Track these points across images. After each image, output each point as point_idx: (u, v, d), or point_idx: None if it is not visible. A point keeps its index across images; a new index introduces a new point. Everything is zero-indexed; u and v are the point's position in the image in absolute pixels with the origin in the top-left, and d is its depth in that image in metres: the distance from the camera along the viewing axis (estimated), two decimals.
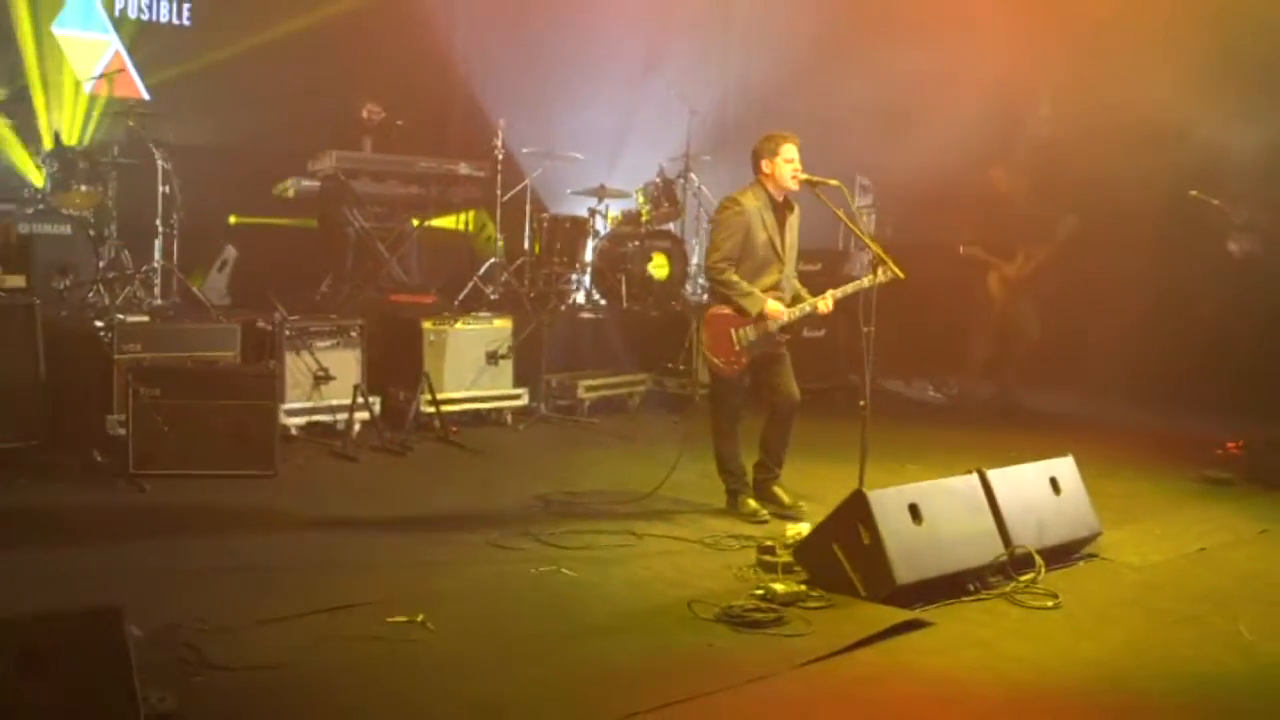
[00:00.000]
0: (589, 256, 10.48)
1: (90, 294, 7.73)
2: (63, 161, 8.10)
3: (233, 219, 10.57)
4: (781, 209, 6.43)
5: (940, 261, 10.60)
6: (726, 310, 6.40)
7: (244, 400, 6.88)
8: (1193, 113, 9.33)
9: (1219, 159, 9.39)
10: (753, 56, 11.38)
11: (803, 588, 5.14)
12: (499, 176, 9.70)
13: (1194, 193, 8.57)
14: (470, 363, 8.63)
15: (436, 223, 11.36)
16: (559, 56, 10.76)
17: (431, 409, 8.17)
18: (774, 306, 6.31)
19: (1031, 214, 10.21)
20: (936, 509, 5.32)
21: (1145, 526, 6.63)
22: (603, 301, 10.44)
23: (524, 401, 8.87)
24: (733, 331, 6.38)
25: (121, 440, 6.76)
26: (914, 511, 5.23)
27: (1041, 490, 5.87)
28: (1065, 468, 6.09)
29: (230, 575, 5.22)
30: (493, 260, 9.81)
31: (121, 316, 7.35)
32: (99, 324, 7.20)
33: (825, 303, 6.39)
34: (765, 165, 6.35)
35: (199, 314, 8.10)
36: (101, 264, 7.88)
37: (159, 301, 8.25)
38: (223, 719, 3.80)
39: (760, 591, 5.08)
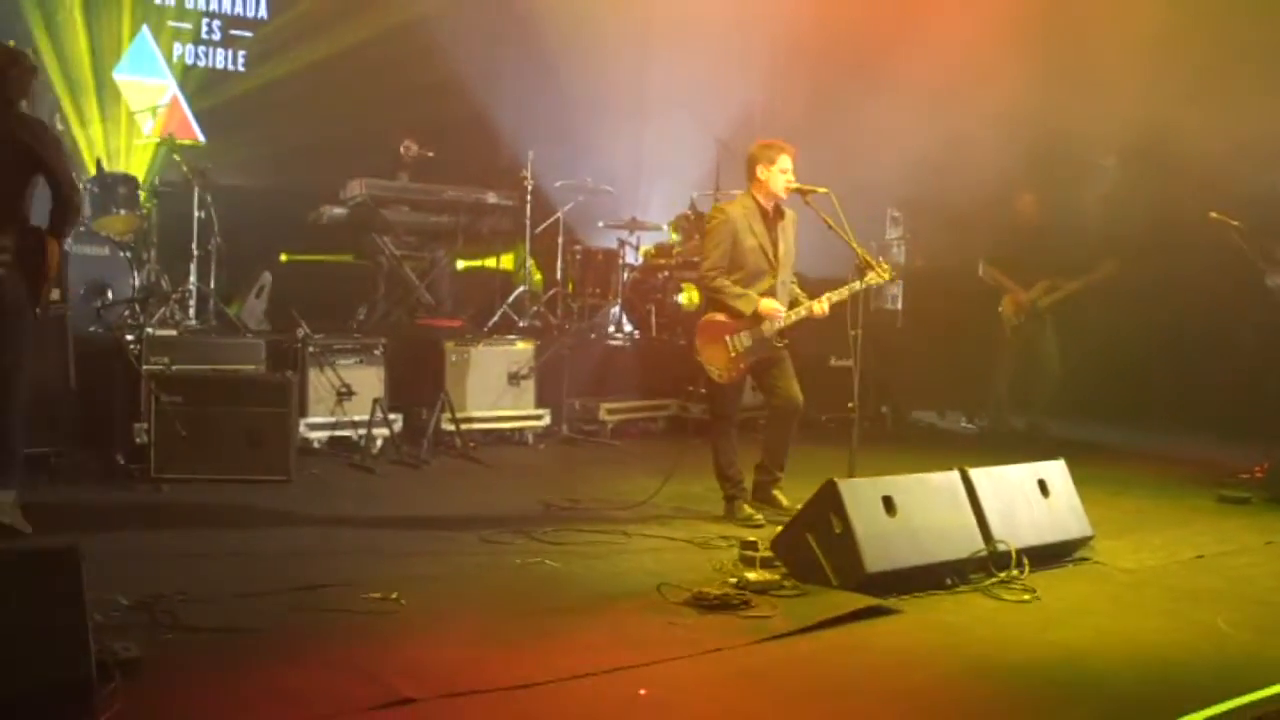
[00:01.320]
0: (621, 287, 10.68)
1: (125, 313, 8.05)
2: (103, 187, 8.48)
3: (284, 257, 10.96)
4: (772, 217, 6.57)
5: (972, 293, 10.67)
6: (720, 317, 6.53)
7: (260, 408, 7.12)
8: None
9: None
10: (781, 88, 11.54)
11: (777, 577, 5.21)
12: (528, 206, 9.95)
13: (1214, 215, 8.50)
14: (492, 383, 8.83)
15: (481, 263, 11.70)
16: (591, 92, 11.04)
17: (452, 427, 8.36)
18: (768, 304, 6.42)
19: (1061, 245, 10.18)
20: (912, 502, 5.37)
21: (1146, 536, 6.59)
22: (634, 332, 10.59)
23: (546, 422, 9.04)
24: (728, 339, 6.49)
25: (146, 446, 7.02)
26: (888, 503, 5.29)
27: (1028, 491, 5.89)
28: (1055, 471, 6.11)
29: (223, 559, 5.43)
30: (522, 288, 10.04)
31: (150, 330, 7.65)
32: (129, 337, 7.51)
33: (820, 305, 6.52)
34: (761, 171, 6.51)
35: (230, 333, 8.39)
36: (137, 285, 8.21)
37: (193, 322, 8.55)
38: (180, 668, 3.94)
39: (733, 580, 5.16)
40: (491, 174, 10.19)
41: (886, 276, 6.48)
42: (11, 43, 6.52)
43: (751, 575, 5.20)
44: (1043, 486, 5.96)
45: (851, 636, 4.64)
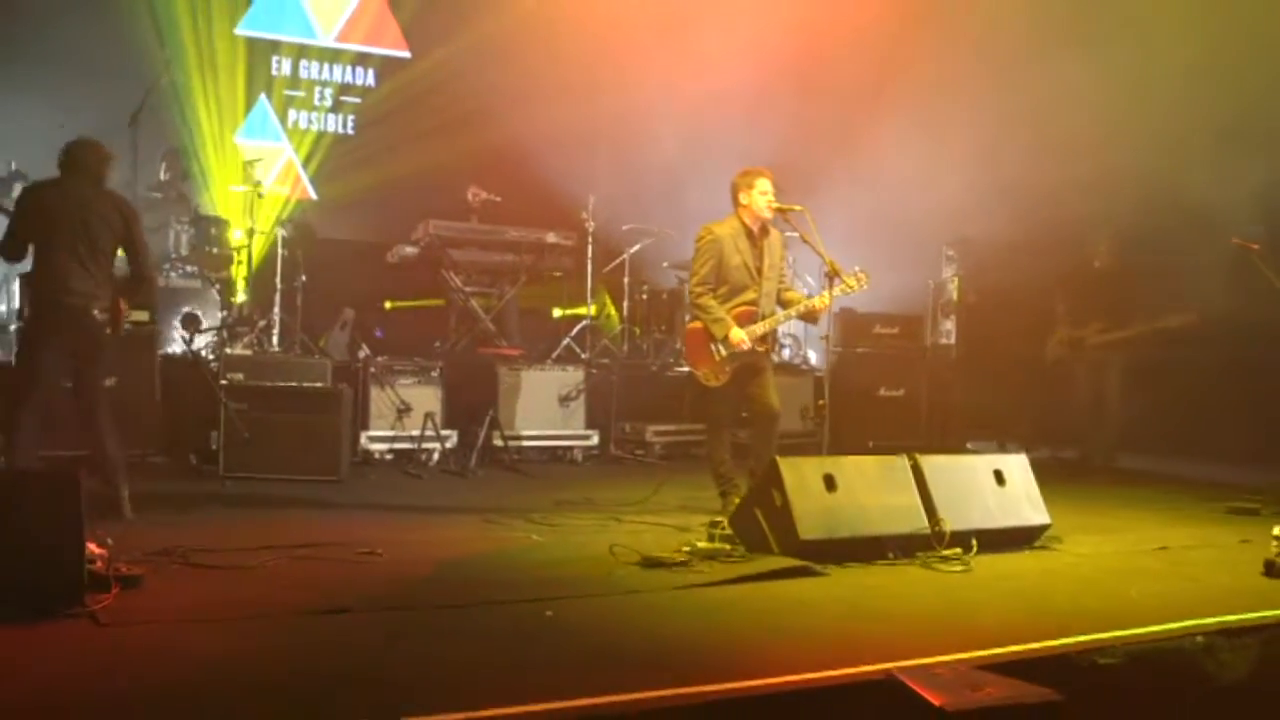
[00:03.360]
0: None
1: (214, 338, 9.06)
2: (198, 228, 9.56)
3: (388, 304, 11.98)
4: (757, 236, 7.16)
5: (1026, 327, 11.01)
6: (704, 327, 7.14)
7: (315, 415, 8.00)
8: None
9: None
10: (837, 130, 12.13)
11: (726, 547, 5.78)
12: (590, 246, 10.72)
13: (1236, 241, 8.73)
14: (543, 404, 9.57)
15: (571, 311, 12.51)
16: (653, 142, 11.80)
17: (501, 443, 9.12)
18: (736, 335, 6.95)
19: (1131, 293, 10.24)
20: (853, 481, 5.88)
21: (1123, 535, 6.89)
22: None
23: (594, 442, 9.73)
24: (712, 346, 7.08)
25: (217, 449, 7.94)
26: (829, 481, 5.81)
27: (981, 479, 6.32)
28: (1014, 463, 6.52)
29: (254, 526, 6.23)
30: (584, 322, 10.78)
31: (229, 350, 8.63)
32: (210, 357, 8.49)
33: (777, 320, 7.05)
34: (743, 197, 7.12)
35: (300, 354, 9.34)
36: (225, 314, 9.23)
37: (276, 349, 9.52)
38: (173, 582, 4.73)
39: (686, 549, 5.74)
40: (555, 217, 10.99)
41: (854, 288, 6.95)
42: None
43: (702, 545, 5.77)
44: (999, 476, 6.37)
45: (763, 590, 5.14)
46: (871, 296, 11.75)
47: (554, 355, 10.40)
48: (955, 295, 11.55)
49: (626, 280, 11.28)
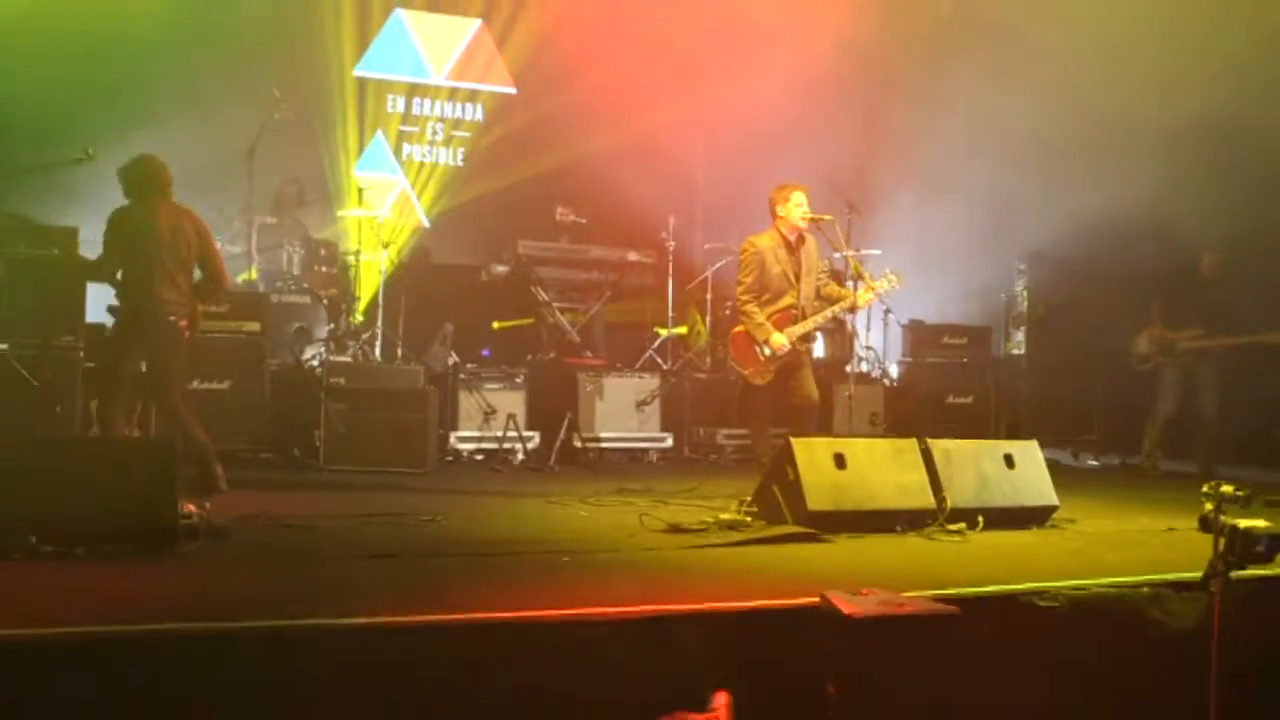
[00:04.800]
0: None
1: (321, 348, 10.03)
2: (308, 250, 10.57)
3: (496, 325, 12.90)
4: (794, 245, 7.82)
5: (1096, 340, 11.40)
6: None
7: (405, 414, 8.86)
8: None
9: None
10: (909, 151, 12.67)
11: (748, 519, 6.43)
12: (670, 264, 11.45)
13: None
14: (621, 409, 10.33)
15: (671, 330, 13.25)
16: (731, 161, 12.50)
17: (579, 443, 9.88)
18: (777, 340, 7.62)
19: (1232, 304, 10.46)
20: (863, 460, 6.49)
21: (1137, 519, 7.31)
22: None
23: (669, 444, 10.43)
24: (756, 348, 7.75)
25: (318, 445, 8.87)
26: (839, 459, 6.43)
27: (991, 462, 6.84)
28: (1025, 449, 7.03)
29: (339, 501, 7.09)
30: (664, 335, 11.50)
31: (333, 357, 9.58)
32: (315, 364, 9.46)
33: (816, 321, 7.68)
34: (780, 209, 7.80)
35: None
36: (332, 326, 10.21)
37: (378, 359, 10.44)
38: (255, 536, 5.60)
39: (710, 520, 6.40)
40: (639, 236, 11.76)
41: (893, 286, 7.58)
42: None
43: (725, 516, 6.44)
44: (1009, 460, 6.89)
45: (768, 551, 5.77)
46: (944, 309, 12.37)
47: (638, 365, 11.14)
48: (1025, 307, 11.95)
49: (710, 297, 11.96)
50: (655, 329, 12.62)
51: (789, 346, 7.68)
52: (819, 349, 11.90)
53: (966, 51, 12.18)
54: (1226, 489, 4.69)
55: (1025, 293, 12.03)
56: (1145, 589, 5.09)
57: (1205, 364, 10.33)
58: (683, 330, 12.81)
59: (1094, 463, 11.73)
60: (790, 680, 4.08)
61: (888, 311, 11.85)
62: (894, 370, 12.47)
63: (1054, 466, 11.38)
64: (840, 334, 11.99)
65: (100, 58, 10.48)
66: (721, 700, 3.62)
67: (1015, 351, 12.09)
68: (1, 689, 3.44)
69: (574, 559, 5.34)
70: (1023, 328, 11.98)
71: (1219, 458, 10.23)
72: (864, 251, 12.40)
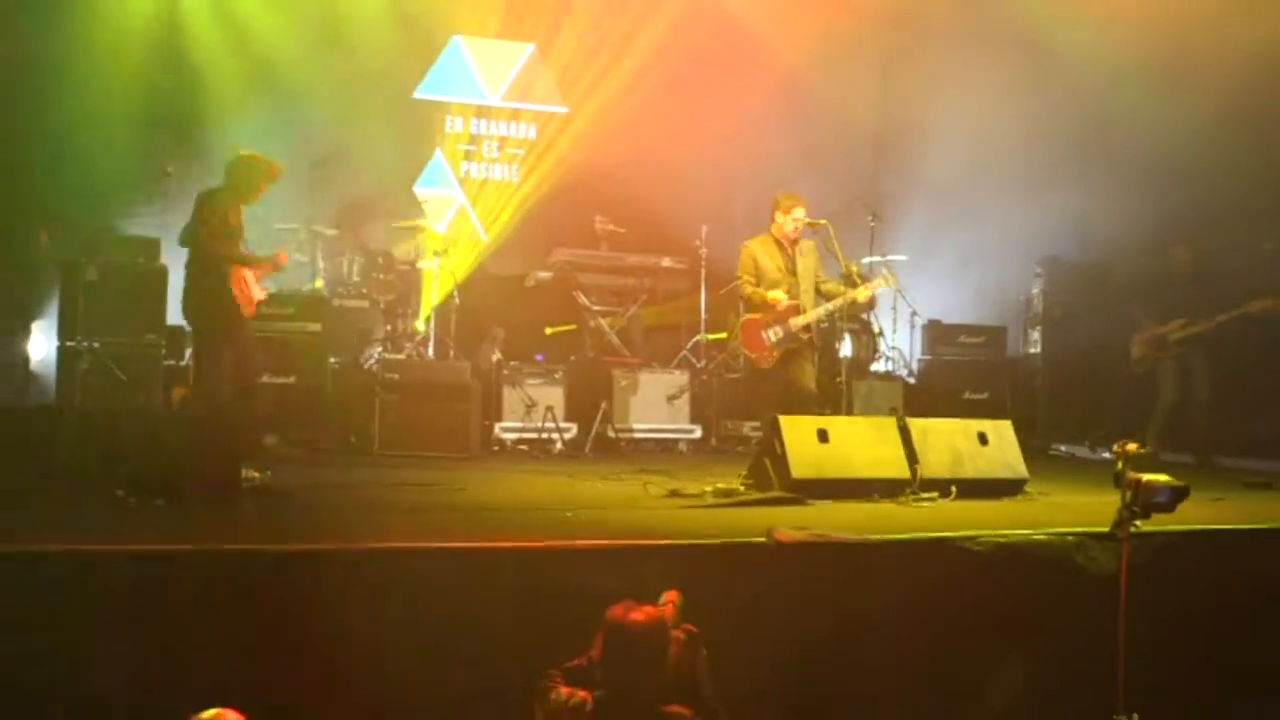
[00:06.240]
0: None
1: (378, 349, 10.99)
2: (367, 259, 11.54)
3: (549, 330, 13.81)
4: (788, 248, 8.61)
5: (1109, 338, 12.01)
6: (756, 316, 8.61)
7: (450, 404, 9.80)
8: None
9: None
10: (928, 160, 13.38)
11: (741, 488, 7.23)
12: (703, 270, 12.24)
13: (1268, 246, 9.58)
14: (652, 403, 11.17)
15: (709, 336, 14.06)
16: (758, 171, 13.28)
17: (613, 434, 10.74)
18: (775, 294, 8.43)
19: (1210, 290, 10.88)
20: (845, 436, 7.26)
21: (1110, 494, 7.92)
22: None
23: (697, 435, 11.25)
24: (763, 332, 8.55)
25: (372, 433, 9.82)
26: (822, 435, 7.21)
27: (965, 439, 7.56)
28: (999, 428, 7.73)
29: (381, 475, 8.01)
30: (697, 337, 12.32)
31: (387, 355, 10.54)
32: (372, 361, 10.43)
33: (818, 314, 8.45)
34: (778, 216, 8.61)
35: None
36: (389, 328, 11.18)
37: (431, 358, 11.37)
38: (306, 494, 6.54)
39: (708, 487, 7.21)
40: (673, 244, 12.58)
41: (889, 283, 8.36)
42: None
43: (721, 485, 7.24)
44: (982, 438, 7.60)
45: (753, 510, 6.56)
46: (965, 309, 13.05)
47: (673, 364, 11.96)
48: (1041, 309, 12.60)
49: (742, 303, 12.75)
50: (699, 336, 13.45)
51: (786, 300, 8.40)
52: (845, 348, 12.66)
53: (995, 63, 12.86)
54: (1132, 447, 5.40)
55: (1041, 295, 12.66)
56: (1071, 538, 5.81)
57: (1198, 352, 10.80)
58: (722, 335, 13.63)
59: (1107, 455, 12.28)
60: (736, 598, 4.87)
61: (914, 314, 12.60)
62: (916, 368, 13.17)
63: (1071, 459, 12.25)
64: (865, 334, 12.71)
65: (178, 88, 11.55)
66: (670, 596, 4.37)
67: (1032, 350, 12.73)
68: (102, 591, 4.36)
69: (576, 514, 6.18)
70: (1038, 328, 12.61)
71: (1214, 445, 10.77)
72: (890, 257, 13.20)
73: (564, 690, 3.93)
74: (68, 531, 4.88)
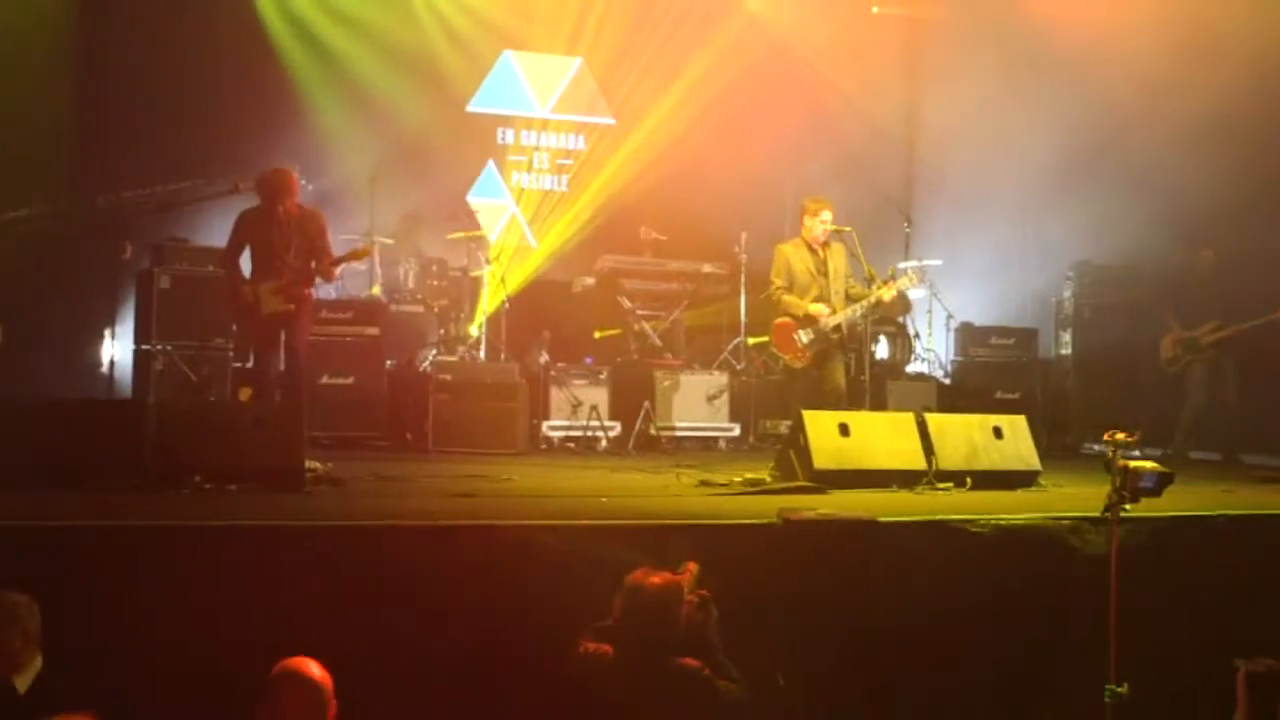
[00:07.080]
0: None
1: (433, 351, 11.61)
2: (422, 266, 12.18)
3: (597, 334, 14.38)
4: (818, 250, 9.09)
5: (1139, 339, 12.36)
6: (789, 319, 9.10)
7: (500, 403, 10.38)
8: None
9: None
10: (947, 166, 13.82)
11: (768, 478, 7.72)
12: (743, 275, 12.74)
13: None
14: (693, 402, 11.68)
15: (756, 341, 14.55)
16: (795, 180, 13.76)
17: (654, 432, 11.28)
18: (815, 307, 8.90)
19: (1240, 292, 11.29)
20: (865, 430, 7.74)
21: None
22: None
23: (736, 433, 11.75)
24: (794, 335, 9.05)
25: (426, 431, 10.43)
26: (843, 429, 7.68)
27: (981, 433, 7.99)
28: (1013, 423, 8.15)
29: (436, 468, 8.59)
30: (737, 340, 12.82)
31: (441, 358, 11.15)
32: (426, 362, 11.05)
33: (848, 314, 8.92)
34: (807, 220, 9.09)
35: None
36: (442, 331, 11.80)
37: (482, 360, 11.96)
38: (362, 484, 7.13)
39: (737, 478, 7.72)
40: (714, 250, 13.10)
41: (913, 284, 8.84)
42: None
43: (749, 475, 7.75)
44: (997, 432, 8.04)
45: (779, 498, 7.02)
46: (999, 311, 13.46)
47: (714, 365, 12.48)
48: (1071, 311, 12.98)
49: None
50: (739, 339, 13.95)
51: (827, 312, 8.89)
52: (881, 350, 13.11)
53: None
54: (1120, 436, 5.84)
55: (1072, 297, 13.04)
56: (1066, 521, 6.26)
57: (1228, 354, 11.20)
58: (764, 339, 14.12)
59: (1136, 454, 12.61)
60: (749, 570, 5.39)
61: (949, 317, 13.04)
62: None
63: (1103, 457, 12.54)
64: (901, 337, 13.16)
65: (250, 106, 12.27)
66: (690, 566, 4.90)
67: (1063, 351, 13.11)
68: (181, 561, 4.98)
69: (610, 500, 6.72)
70: (1069, 329, 13.00)
71: (1242, 443, 11.12)
72: (924, 262, 13.65)
73: (590, 645, 4.48)
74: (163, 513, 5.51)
